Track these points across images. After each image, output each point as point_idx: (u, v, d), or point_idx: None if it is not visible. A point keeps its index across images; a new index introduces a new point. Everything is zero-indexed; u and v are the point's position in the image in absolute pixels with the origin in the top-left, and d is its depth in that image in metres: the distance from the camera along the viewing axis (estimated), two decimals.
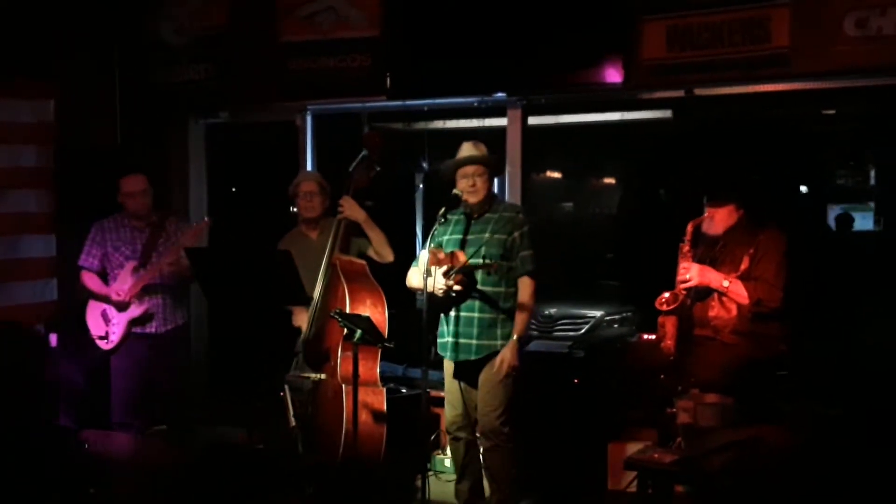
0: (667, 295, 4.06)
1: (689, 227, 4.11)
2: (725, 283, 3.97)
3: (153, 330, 4.75)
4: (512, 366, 4.03)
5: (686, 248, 4.10)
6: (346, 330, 3.95)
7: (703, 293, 4.10)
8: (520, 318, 4.10)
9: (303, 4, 5.61)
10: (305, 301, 4.31)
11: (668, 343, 4.02)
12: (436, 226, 4.14)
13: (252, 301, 4.13)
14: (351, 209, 4.39)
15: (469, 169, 4.15)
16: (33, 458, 4.17)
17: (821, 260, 5.19)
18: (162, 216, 4.87)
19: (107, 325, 4.72)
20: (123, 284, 4.69)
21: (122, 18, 6.08)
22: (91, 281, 4.79)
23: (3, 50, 5.33)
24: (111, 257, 4.77)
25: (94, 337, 4.75)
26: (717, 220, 4.11)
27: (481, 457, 4.21)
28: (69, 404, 5.20)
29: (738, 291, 3.95)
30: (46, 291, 5.43)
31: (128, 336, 4.70)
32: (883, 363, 4.26)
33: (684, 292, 4.05)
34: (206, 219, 4.80)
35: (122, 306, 4.69)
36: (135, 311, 4.69)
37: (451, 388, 4.24)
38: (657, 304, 4.06)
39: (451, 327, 4.15)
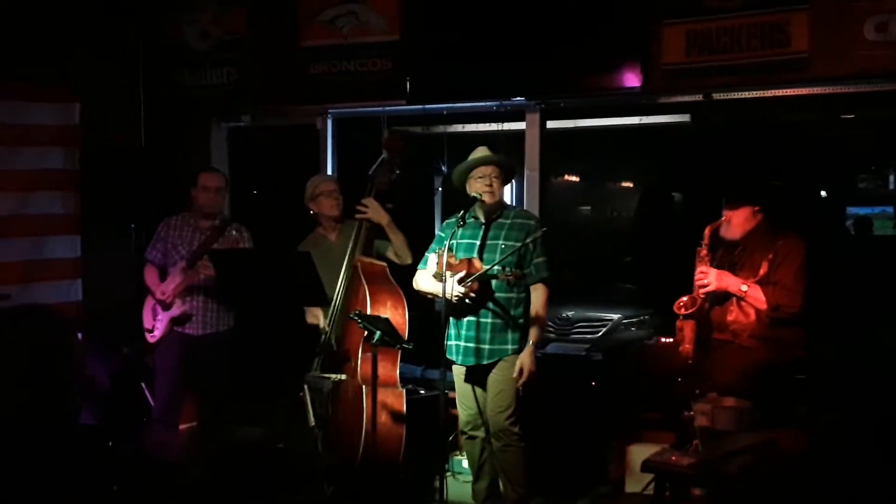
0: (685, 299, 4.07)
1: (707, 231, 4.12)
2: (744, 288, 3.97)
3: (192, 332, 4.80)
4: (532, 372, 4.07)
5: (704, 252, 4.10)
6: (366, 331, 3.99)
7: (721, 297, 4.10)
8: (535, 325, 4.14)
9: (324, 9, 5.66)
10: (325, 302, 4.35)
11: (686, 347, 4.03)
12: (452, 229, 4.16)
13: (273, 302, 4.17)
14: (375, 212, 4.42)
15: (487, 169, 4.18)
16: (60, 454, 4.23)
17: (840, 264, 5.17)
18: (225, 221, 4.90)
19: (154, 320, 4.81)
20: (171, 284, 4.76)
21: (145, 23, 6.16)
22: (149, 274, 4.87)
23: (28, 54, 5.41)
24: (169, 254, 4.83)
25: (145, 329, 4.85)
26: (735, 223, 4.11)
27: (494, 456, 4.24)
28: (93, 403, 5.27)
29: (757, 296, 3.95)
30: (71, 292, 5.48)
31: (169, 333, 4.77)
32: None
33: (702, 297, 4.06)
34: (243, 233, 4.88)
35: (165, 306, 4.76)
36: (175, 310, 4.75)
37: (462, 390, 4.27)
38: (675, 309, 4.07)
39: (463, 331, 4.18)
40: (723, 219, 4.13)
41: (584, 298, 5.89)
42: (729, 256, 4.15)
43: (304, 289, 4.11)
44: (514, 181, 4.94)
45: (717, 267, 4.08)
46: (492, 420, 4.15)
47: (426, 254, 4.35)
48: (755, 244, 4.09)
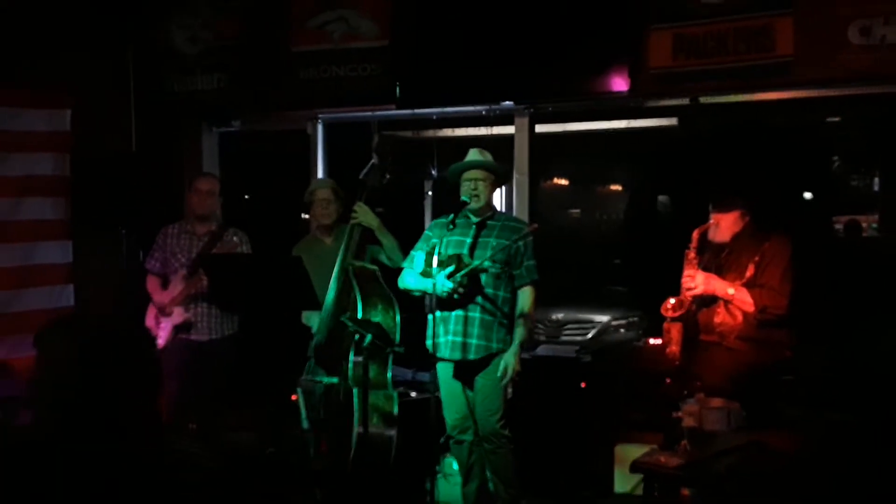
0: (672, 301, 4.10)
1: (695, 234, 4.15)
2: (731, 292, 4.00)
3: (197, 338, 4.80)
4: (517, 371, 4.09)
5: (692, 254, 4.14)
6: (357, 335, 4.01)
7: (708, 299, 4.14)
8: (523, 326, 4.16)
9: (314, 15, 5.68)
10: (317, 306, 4.37)
11: (673, 349, 4.07)
12: (441, 229, 4.19)
13: (264, 306, 4.19)
14: (365, 215, 4.45)
15: (475, 173, 4.21)
16: None
17: (827, 266, 5.21)
18: (222, 227, 4.91)
19: (157, 328, 4.81)
20: (173, 291, 4.77)
21: (136, 28, 6.16)
22: (150, 284, 4.88)
23: (20, 60, 5.41)
24: (169, 263, 4.84)
25: None
26: (724, 226, 4.15)
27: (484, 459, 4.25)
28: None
29: (744, 299, 3.99)
30: (62, 297, 5.47)
31: (173, 340, 4.77)
32: (889, 368, 4.28)
33: (690, 299, 4.10)
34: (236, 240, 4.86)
35: (165, 313, 4.76)
36: (177, 318, 4.75)
37: (450, 392, 4.26)
38: (662, 311, 4.11)
39: (452, 326, 4.19)
40: (711, 222, 4.17)
41: (574, 301, 5.92)
42: (716, 259, 4.19)
43: (296, 293, 4.12)
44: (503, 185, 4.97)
45: (704, 269, 4.12)
46: (481, 423, 4.17)
47: (412, 252, 4.38)
48: (742, 247, 4.12)
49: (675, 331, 4.08)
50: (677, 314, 4.07)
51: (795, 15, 4.50)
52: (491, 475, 4.24)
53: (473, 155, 4.28)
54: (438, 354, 4.22)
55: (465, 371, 4.22)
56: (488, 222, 4.25)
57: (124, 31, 6.13)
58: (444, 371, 4.25)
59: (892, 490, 3.40)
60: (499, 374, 4.10)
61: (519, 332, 4.15)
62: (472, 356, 4.17)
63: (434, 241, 4.15)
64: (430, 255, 4.07)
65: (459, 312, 4.17)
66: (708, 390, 3.85)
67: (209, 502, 1.85)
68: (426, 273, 4.10)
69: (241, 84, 5.95)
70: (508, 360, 4.09)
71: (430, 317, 4.08)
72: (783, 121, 5.59)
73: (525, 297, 4.18)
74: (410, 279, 4.29)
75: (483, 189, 4.20)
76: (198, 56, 6.03)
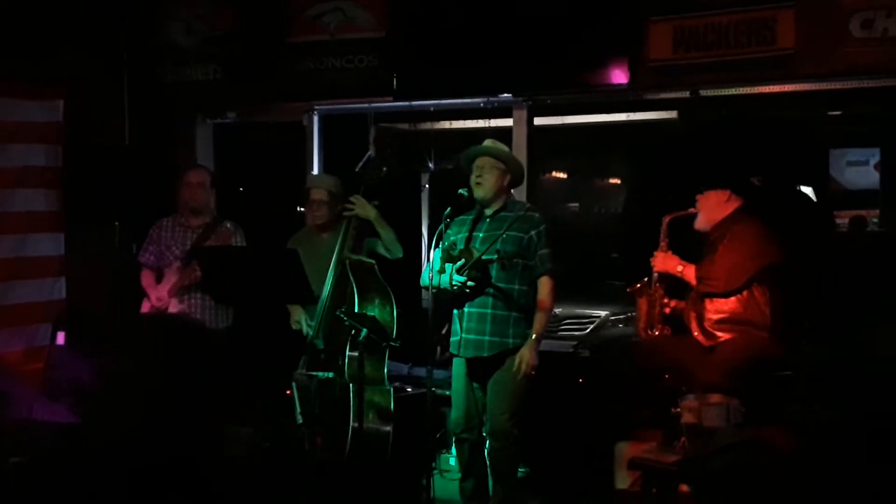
0: (639, 285, 4.25)
1: (666, 220, 4.24)
2: (679, 269, 4.14)
3: None
4: (531, 365, 4.02)
5: (662, 237, 4.24)
6: (352, 329, 3.98)
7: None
8: (539, 317, 4.08)
9: (310, 5, 5.65)
10: (312, 300, 4.33)
11: (640, 326, 4.25)
12: (444, 227, 4.14)
13: (259, 299, 4.15)
14: (362, 207, 4.41)
15: (481, 161, 4.14)
16: None
17: (829, 261, 5.18)
18: (216, 220, 4.88)
19: None
20: (166, 284, 4.74)
21: (131, 19, 6.12)
22: (144, 278, 4.85)
23: (13, 51, 5.36)
24: (163, 256, 4.82)
25: None
26: (703, 213, 4.19)
27: (486, 456, 4.21)
28: (76, 402, 5.23)
29: (690, 274, 4.08)
30: (55, 290, 5.44)
31: None
32: (890, 365, 4.26)
33: (655, 276, 4.24)
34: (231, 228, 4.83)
35: (160, 309, 4.72)
36: (171, 310, 4.72)
37: (458, 389, 4.23)
38: (628, 290, 4.31)
39: (465, 323, 4.12)
40: (692, 209, 4.19)
41: (572, 295, 5.87)
42: (703, 249, 4.21)
43: (291, 286, 4.08)
44: None
45: (693, 259, 4.14)
46: (492, 420, 4.09)
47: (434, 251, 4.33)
48: (722, 234, 4.11)
49: (641, 308, 4.27)
50: (634, 289, 4.27)
51: (797, 7, 4.50)
52: (491, 472, 4.20)
53: (487, 143, 4.22)
54: (453, 351, 4.18)
55: (481, 368, 4.14)
56: (501, 213, 4.18)
57: (119, 21, 6.09)
58: (458, 367, 4.20)
59: (890, 488, 3.38)
60: (514, 368, 4.03)
61: (534, 325, 4.06)
62: (485, 353, 4.09)
63: (453, 238, 4.10)
64: (445, 251, 4.02)
65: (473, 309, 4.11)
66: (706, 386, 3.82)
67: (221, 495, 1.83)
68: (442, 270, 4.04)
69: (236, 75, 5.92)
70: (523, 354, 4.02)
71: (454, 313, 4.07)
72: (784, 114, 5.56)
73: (541, 287, 4.10)
74: (428, 277, 4.25)
75: (488, 178, 4.12)
76: (193, 47, 6.00)
